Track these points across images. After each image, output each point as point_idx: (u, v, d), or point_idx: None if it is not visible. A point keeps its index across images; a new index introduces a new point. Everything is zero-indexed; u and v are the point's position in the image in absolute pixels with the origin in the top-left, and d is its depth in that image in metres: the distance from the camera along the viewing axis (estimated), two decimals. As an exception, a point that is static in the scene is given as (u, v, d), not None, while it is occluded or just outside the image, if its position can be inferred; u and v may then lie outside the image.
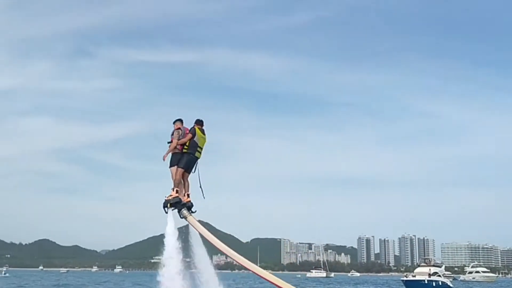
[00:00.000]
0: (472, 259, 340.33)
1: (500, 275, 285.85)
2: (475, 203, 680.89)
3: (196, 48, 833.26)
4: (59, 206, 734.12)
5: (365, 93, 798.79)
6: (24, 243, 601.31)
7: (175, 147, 17.39)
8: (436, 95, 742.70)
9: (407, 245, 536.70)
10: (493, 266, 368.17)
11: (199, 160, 17.86)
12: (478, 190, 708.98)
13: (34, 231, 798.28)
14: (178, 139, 17.39)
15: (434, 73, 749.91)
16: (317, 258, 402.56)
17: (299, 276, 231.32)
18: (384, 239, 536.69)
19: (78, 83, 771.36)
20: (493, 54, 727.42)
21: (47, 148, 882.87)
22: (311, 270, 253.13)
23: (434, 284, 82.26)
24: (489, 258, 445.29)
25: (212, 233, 17.10)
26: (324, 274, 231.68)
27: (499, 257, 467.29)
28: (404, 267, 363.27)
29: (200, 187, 17.80)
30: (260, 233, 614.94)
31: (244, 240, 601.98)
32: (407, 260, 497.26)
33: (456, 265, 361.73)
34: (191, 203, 17.59)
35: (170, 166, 17.54)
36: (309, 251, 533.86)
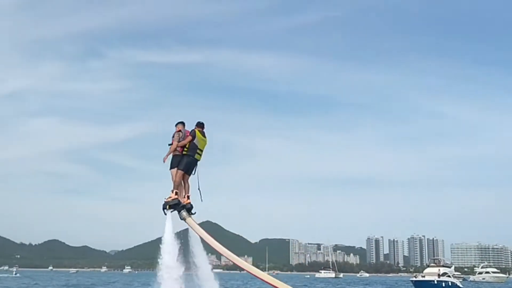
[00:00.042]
0: (482, 260, 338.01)
1: (511, 276, 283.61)
2: (485, 203, 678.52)
3: (203, 49, 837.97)
4: (68, 207, 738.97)
5: (371, 93, 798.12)
6: (33, 244, 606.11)
7: (175, 149, 17.54)
8: (443, 95, 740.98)
9: (416, 246, 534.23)
10: (503, 266, 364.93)
11: (199, 163, 17.95)
12: (489, 190, 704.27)
13: (43, 232, 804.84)
14: (178, 141, 17.55)
15: (442, 73, 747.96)
16: (326, 259, 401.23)
17: (308, 276, 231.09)
18: (393, 240, 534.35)
19: (88, 84, 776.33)
20: (493, 53, 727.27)
21: (56, 149, 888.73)
22: (320, 271, 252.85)
23: (443, 284, 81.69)
24: (499, 259, 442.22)
25: (211, 235, 17.08)
26: (333, 275, 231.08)
27: (510, 258, 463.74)
28: (413, 268, 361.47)
29: (199, 189, 17.88)
30: (269, 234, 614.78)
31: (252, 241, 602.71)
32: (417, 260, 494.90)
33: (466, 265, 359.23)
34: (191, 205, 17.65)
35: (171, 168, 17.66)
36: (318, 251, 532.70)
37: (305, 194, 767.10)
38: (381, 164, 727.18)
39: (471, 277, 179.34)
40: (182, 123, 18.12)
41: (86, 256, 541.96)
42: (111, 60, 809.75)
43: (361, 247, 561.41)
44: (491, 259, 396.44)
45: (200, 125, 18.14)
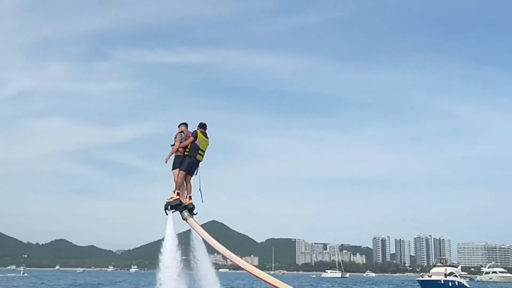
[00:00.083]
0: (489, 260, 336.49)
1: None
2: (491, 203, 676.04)
3: (209, 49, 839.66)
4: (75, 207, 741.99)
5: (379, 93, 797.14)
6: (41, 243, 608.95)
7: (177, 150, 17.65)
8: (456, 95, 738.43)
9: (422, 245, 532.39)
10: (511, 266, 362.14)
11: (201, 163, 18.05)
12: (496, 190, 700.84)
13: (50, 232, 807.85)
14: (180, 142, 17.65)
15: (451, 73, 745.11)
16: (332, 259, 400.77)
17: (314, 276, 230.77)
18: (400, 239, 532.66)
19: (93, 84, 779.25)
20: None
21: (63, 149, 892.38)
22: (326, 270, 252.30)
23: (450, 284, 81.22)
24: (507, 259, 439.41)
25: (212, 235, 17.10)
26: (339, 275, 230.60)
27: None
28: (419, 268, 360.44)
29: (200, 190, 17.96)
30: (275, 234, 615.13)
31: (258, 241, 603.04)
32: (423, 260, 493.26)
33: (473, 265, 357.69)
34: (193, 205, 17.74)
35: (173, 169, 17.77)
36: (324, 251, 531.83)
37: (311, 194, 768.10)
38: (387, 164, 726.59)
39: (478, 277, 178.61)
40: (185, 124, 18.23)
41: (92, 255, 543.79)
42: (116, 60, 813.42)
43: (367, 247, 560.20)
44: (498, 259, 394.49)
45: (202, 126, 18.25)
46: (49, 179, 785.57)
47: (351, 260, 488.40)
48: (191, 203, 17.67)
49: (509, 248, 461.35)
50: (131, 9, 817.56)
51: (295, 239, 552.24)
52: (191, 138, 17.66)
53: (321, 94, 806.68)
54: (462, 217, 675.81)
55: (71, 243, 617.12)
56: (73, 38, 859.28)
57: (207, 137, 18.12)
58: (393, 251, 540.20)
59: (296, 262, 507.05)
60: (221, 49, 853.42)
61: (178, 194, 17.37)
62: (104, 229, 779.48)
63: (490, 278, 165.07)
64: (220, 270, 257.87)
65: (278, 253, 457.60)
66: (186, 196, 17.69)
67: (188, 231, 17.64)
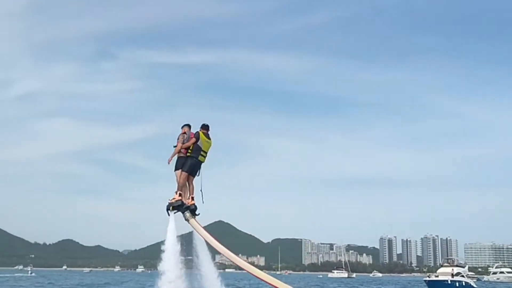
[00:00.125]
0: (496, 260, 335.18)
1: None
2: (499, 203, 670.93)
3: (215, 49, 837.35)
4: (81, 207, 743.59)
5: (383, 93, 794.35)
6: (48, 243, 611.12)
7: (180, 151, 17.72)
8: (458, 95, 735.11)
9: (429, 246, 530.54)
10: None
11: (203, 164, 18.14)
12: (503, 190, 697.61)
13: (57, 232, 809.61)
14: (183, 143, 17.70)
15: (452, 73, 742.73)
16: (338, 259, 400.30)
17: (321, 276, 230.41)
18: (407, 240, 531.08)
19: (100, 85, 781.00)
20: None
21: (69, 150, 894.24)
22: (333, 271, 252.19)
23: (457, 284, 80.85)
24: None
25: (213, 236, 17.11)
26: (345, 275, 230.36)
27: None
28: (426, 268, 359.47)
29: (201, 191, 18.00)
30: (281, 234, 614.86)
31: (265, 241, 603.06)
32: (430, 260, 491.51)
33: (480, 265, 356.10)
34: (195, 206, 17.82)
35: (175, 170, 17.86)
36: (331, 251, 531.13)
37: (317, 194, 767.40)
38: (394, 163, 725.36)
39: (485, 277, 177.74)
40: (188, 125, 18.31)
41: (99, 255, 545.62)
42: (123, 61, 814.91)
43: (374, 247, 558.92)
44: (505, 259, 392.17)
45: (205, 127, 18.30)
46: (56, 180, 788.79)
47: (358, 260, 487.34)
48: (194, 204, 17.73)
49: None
50: (137, 10, 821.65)
51: (301, 239, 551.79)
52: (193, 139, 17.74)
53: (324, 94, 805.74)
54: (469, 217, 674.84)
55: (78, 243, 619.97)
56: (80, 38, 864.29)
57: (209, 138, 18.16)
58: (399, 251, 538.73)
59: (303, 262, 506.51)
60: (227, 49, 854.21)
61: (180, 195, 17.46)
62: (111, 229, 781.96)
63: (498, 279, 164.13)
64: (227, 270, 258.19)
65: (285, 253, 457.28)
66: (189, 197, 17.77)
67: (191, 232, 17.66)
